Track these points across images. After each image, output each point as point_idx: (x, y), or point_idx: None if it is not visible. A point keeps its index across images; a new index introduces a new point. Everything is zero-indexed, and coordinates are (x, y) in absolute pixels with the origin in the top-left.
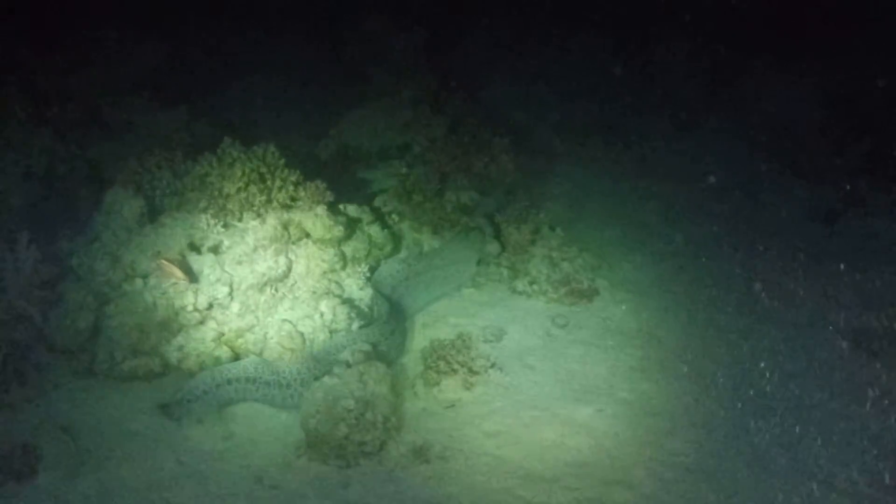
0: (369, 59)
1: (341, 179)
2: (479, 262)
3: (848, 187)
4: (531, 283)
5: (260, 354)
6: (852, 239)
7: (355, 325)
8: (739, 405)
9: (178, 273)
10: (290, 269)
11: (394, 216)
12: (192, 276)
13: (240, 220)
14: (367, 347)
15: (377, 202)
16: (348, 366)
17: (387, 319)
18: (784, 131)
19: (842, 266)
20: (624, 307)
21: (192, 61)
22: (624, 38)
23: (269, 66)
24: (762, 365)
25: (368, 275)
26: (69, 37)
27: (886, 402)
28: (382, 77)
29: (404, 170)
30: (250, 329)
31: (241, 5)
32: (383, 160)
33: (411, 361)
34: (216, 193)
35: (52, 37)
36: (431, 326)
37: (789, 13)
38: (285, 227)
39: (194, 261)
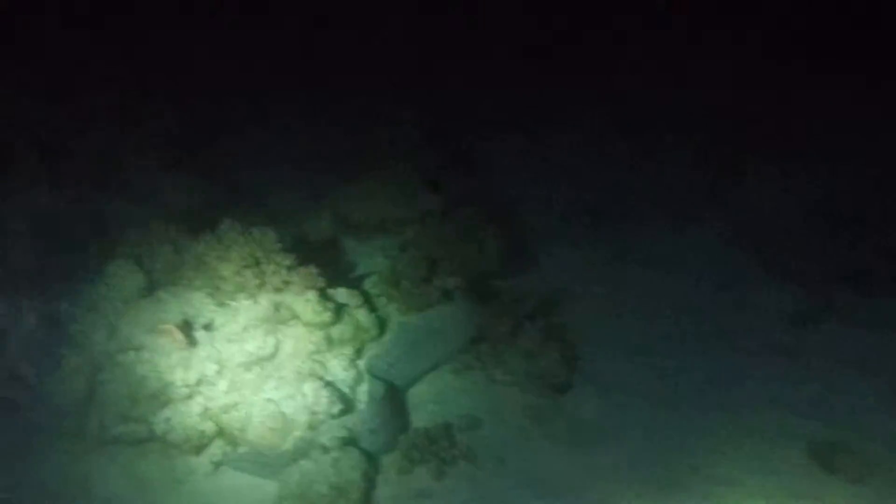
0: (372, 133)
1: (334, 249)
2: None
3: (827, 294)
4: (508, 374)
5: (244, 432)
6: (824, 345)
7: (336, 409)
8: None
9: (180, 336)
10: (277, 348)
11: (382, 299)
12: (192, 342)
13: (233, 299)
14: (344, 433)
15: (366, 285)
16: (325, 451)
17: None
18: (772, 231)
19: (809, 374)
20: (596, 403)
21: (199, 126)
22: (628, 126)
23: (274, 132)
24: (721, 472)
25: (353, 357)
26: (81, 95)
27: None
28: (382, 151)
29: (395, 252)
30: (235, 406)
31: (249, 74)
32: (378, 233)
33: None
34: (213, 274)
35: (64, 94)
36: (408, 411)
37: (791, 116)
38: (276, 308)
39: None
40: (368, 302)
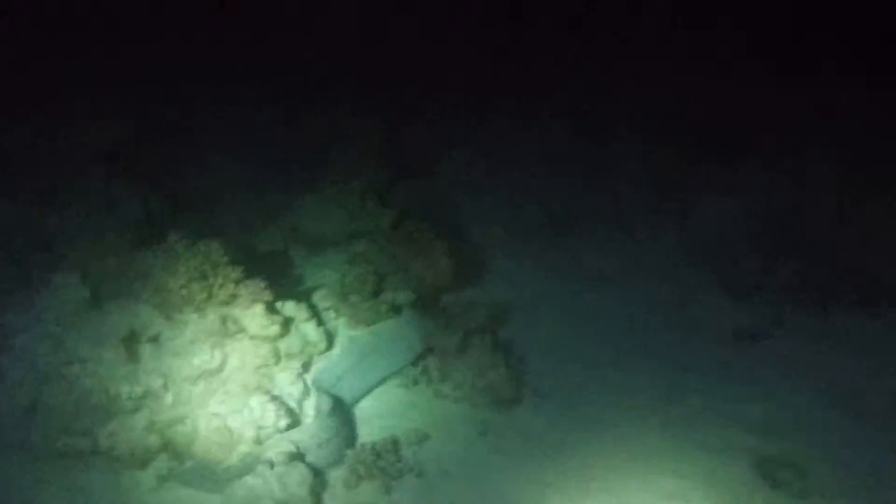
0: (326, 144)
1: (284, 262)
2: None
3: (775, 310)
4: (456, 388)
5: (189, 446)
6: (771, 361)
7: (283, 423)
8: None
9: None
10: (224, 362)
11: (330, 313)
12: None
13: (180, 312)
14: (291, 448)
15: (315, 298)
16: (271, 466)
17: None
18: (718, 243)
19: (755, 389)
20: (545, 417)
21: (154, 135)
22: (580, 135)
23: (230, 142)
24: (668, 487)
25: (301, 371)
26: (33, 105)
27: None
28: (336, 163)
29: (345, 266)
30: (181, 420)
31: (207, 81)
32: (329, 246)
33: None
34: (160, 286)
35: (10, 104)
36: (356, 426)
37: (737, 126)
38: (223, 321)
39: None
40: (316, 316)
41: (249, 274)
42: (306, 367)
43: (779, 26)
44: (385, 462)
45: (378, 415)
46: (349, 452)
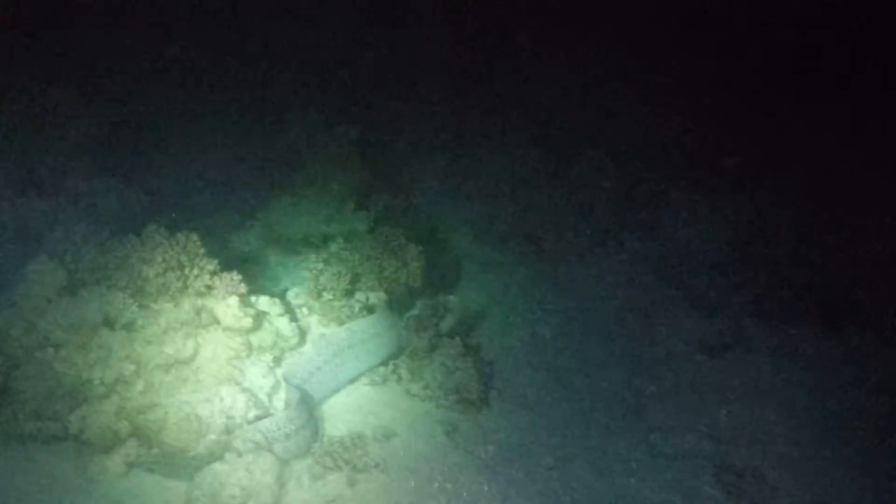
0: (305, 146)
1: (259, 261)
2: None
3: (738, 324)
4: (425, 388)
5: (159, 433)
6: (733, 374)
7: (252, 414)
8: None
9: None
10: (196, 352)
11: (304, 310)
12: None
13: (155, 301)
14: (258, 437)
15: (289, 295)
16: (239, 455)
17: (295, 409)
18: (687, 261)
19: (717, 401)
20: (510, 420)
21: (133, 130)
22: (552, 148)
23: (207, 141)
24: (631, 493)
25: (272, 364)
26: (9, 98)
27: None
28: (314, 166)
29: (320, 265)
30: (152, 407)
31: (183, 79)
32: (305, 246)
33: None
34: (136, 275)
35: None
36: (325, 420)
37: (711, 147)
38: (198, 312)
39: (107, 336)
40: (290, 311)
41: (225, 268)
42: (278, 361)
43: (751, 52)
44: (351, 455)
45: (347, 411)
46: (316, 445)
